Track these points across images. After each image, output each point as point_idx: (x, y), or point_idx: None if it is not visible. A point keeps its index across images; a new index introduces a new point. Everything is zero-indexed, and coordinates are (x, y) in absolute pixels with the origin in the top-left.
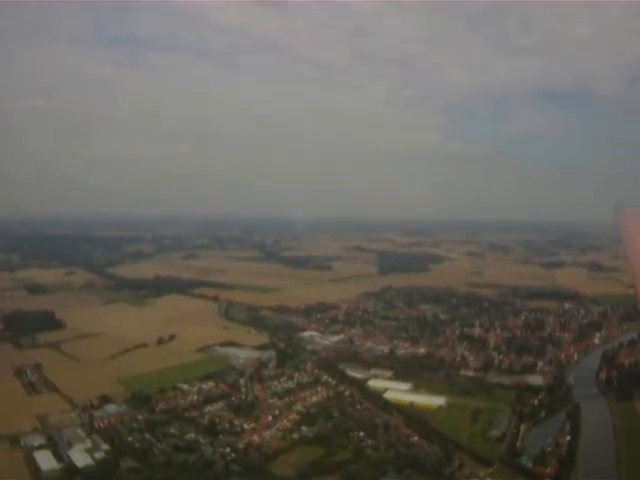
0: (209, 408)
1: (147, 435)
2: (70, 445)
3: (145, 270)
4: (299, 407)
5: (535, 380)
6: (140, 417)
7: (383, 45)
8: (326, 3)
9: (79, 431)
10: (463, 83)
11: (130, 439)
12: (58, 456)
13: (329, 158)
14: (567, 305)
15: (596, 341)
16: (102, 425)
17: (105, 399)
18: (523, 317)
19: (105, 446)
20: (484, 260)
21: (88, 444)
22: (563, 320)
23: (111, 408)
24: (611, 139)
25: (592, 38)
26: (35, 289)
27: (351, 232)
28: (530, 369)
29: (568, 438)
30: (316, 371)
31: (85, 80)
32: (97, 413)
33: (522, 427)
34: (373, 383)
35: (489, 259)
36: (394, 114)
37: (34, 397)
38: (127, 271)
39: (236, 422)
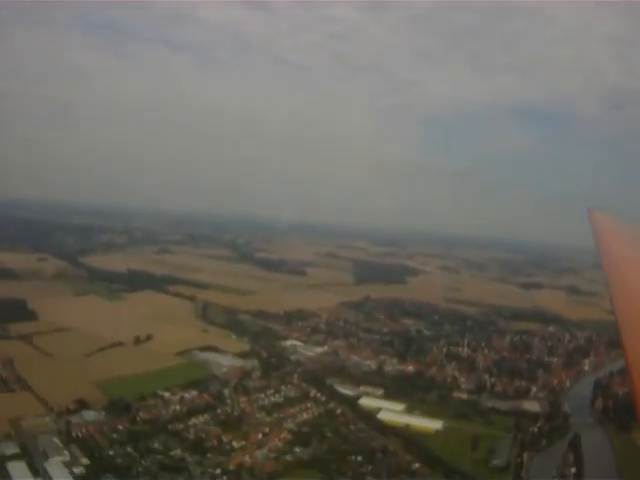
0: (194, 420)
1: (129, 449)
2: (46, 456)
3: (117, 262)
4: (290, 425)
5: (531, 406)
6: (120, 427)
7: (365, 53)
8: (309, 8)
9: (55, 440)
10: (444, 97)
11: (111, 453)
12: (34, 469)
13: (302, 162)
14: (551, 328)
15: (586, 367)
16: (80, 434)
17: (82, 404)
18: (509, 338)
19: (84, 460)
20: (460, 276)
21: (66, 456)
22: (549, 344)
23: (89, 415)
24: (591, 164)
25: (575, 61)
26: (5, 274)
27: (321, 237)
28: (524, 394)
29: (573, 470)
30: (303, 385)
31: (61, 66)
32: (74, 419)
33: (525, 456)
34: (365, 402)
35: (465, 275)
36: (373, 122)
37: (6, 396)
38: (99, 262)
39: (224, 439)
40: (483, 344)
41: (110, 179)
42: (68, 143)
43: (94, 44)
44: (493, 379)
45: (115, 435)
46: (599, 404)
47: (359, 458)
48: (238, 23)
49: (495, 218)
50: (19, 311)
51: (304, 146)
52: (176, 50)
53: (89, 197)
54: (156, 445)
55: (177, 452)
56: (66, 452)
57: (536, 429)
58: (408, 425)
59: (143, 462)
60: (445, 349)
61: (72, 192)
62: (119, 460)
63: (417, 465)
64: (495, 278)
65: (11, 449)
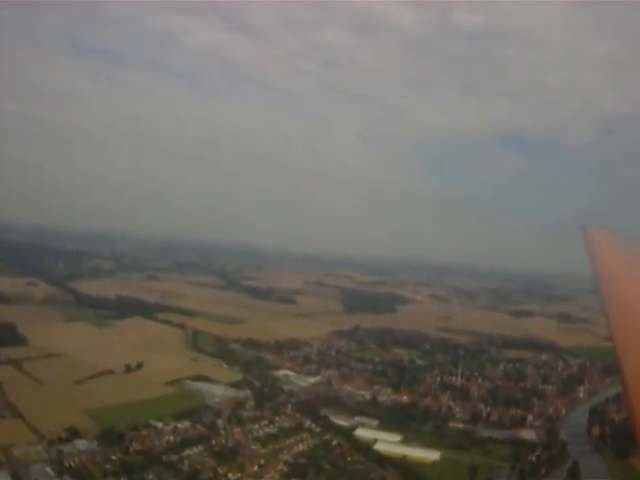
0: (188, 452)
1: None
2: None
3: (106, 288)
4: (286, 456)
5: (528, 435)
6: (114, 457)
7: (356, 80)
8: (302, 34)
9: (48, 469)
10: (436, 124)
11: None
12: None
13: (292, 189)
14: (544, 356)
15: (581, 395)
16: (72, 464)
17: (74, 432)
18: (502, 367)
19: None
20: (450, 305)
21: None
22: (543, 372)
23: (81, 444)
24: (583, 190)
25: (565, 88)
26: None
27: (308, 265)
28: (520, 423)
29: None
30: (297, 415)
31: (55, 89)
32: (66, 448)
33: None
34: (360, 433)
35: (455, 304)
36: (364, 150)
37: None
38: (88, 287)
39: (220, 471)
40: (476, 373)
41: (96, 203)
42: (59, 167)
43: (86, 68)
44: (488, 408)
45: (108, 466)
46: (596, 431)
47: None
48: (230, 49)
49: (485, 246)
50: (8, 335)
51: (294, 173)
52: (168, 76)
53: (77, 221)
54: (150, 477)
55: None
56: None
57: (534, 458)
58: (405, 456)
59: None
60: (439, 379)
61: (62, 216)
62: None
63: None
64: (485, 306)
65: (2, 478)
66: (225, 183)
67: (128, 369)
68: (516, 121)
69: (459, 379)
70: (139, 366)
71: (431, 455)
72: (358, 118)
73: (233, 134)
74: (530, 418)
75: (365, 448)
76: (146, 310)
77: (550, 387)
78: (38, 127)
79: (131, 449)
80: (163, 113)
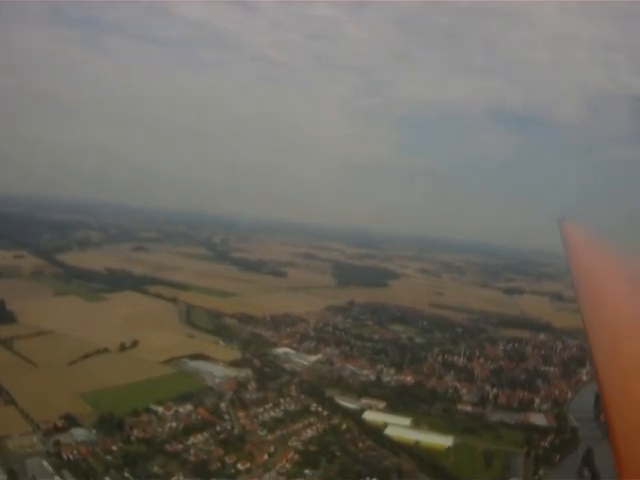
0: (192, 440)
1: (127, 474)
2: None
3: (94, 260)
4: (295, 443)
5: (538, 419)
6: (114, 448)
7: (344, 53)
8: (290, 6)
9: (45, 463)
10: (424, 98)
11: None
12: None
13: (276, 160)
14: (542, 336)
15: (584, 377)
16: (71, 457)
17: (70, 420)
18: (502, 347)
19: None
20: (441, 280)
21: None
22: (543, 352)
23: (79, 433)
24: (567, 168)
25: (555, 65)
26: None
27: (296, 237)
28: (528, 406)
29: None
30: (302, 397)
31: (44, 60)
32: (63, 439)
33: (541, 472)
34: (369, 416)
35: (445, 279)
36: (351, 122)
37: None
38: (76, 259)
39: (228, 460)
40: (477, 353)
41: (79, 173)
42: (44, 136)
43: (77, 38)
44: (495, 390)
45: (109, 457)
46: (604, 416)
47: None
48: (219, 20)
49: (469, 220)
50: None
51: (279, 145)
52: (156, 46)
53: (59, 192)
54: (155, 469)
55: (180, 477)
56: (58, 478)
57: (547, 444)
58: (418, 442)
59: None
60: (440, 358)
61: (44, 187)
62: None
63: None
64: (476, 283)
65: None
66: (210, 153)
67: (123, 347)
68: (504, 97)
69: (461, 359)
70: (134, 344)
71: (444, 441)
72: (346, 90)
73: (220, 105)
74: (537, 401)
75: (376, 433)
76: (136, 283)
77: (552, 369)
78: (25, 97)
79: (132, 437)
80: (151, 83)
